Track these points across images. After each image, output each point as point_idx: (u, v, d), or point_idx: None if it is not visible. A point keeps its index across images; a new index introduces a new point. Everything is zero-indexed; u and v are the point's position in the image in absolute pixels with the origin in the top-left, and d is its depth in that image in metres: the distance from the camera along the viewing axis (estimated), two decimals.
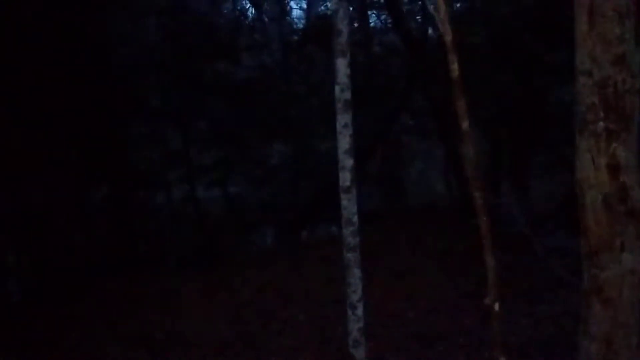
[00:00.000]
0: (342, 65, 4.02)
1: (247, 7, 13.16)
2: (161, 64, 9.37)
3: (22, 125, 7.27)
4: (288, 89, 10.80)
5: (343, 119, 3.89)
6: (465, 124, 3.30)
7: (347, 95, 3.85)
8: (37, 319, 6.73)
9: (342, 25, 4.01)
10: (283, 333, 6.05)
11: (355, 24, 12.04)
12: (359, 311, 3.73)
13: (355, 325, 3.68)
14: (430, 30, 10.56)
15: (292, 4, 19.36)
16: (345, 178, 3.95)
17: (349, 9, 4.92)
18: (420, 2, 10.31)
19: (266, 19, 12.99)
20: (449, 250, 8.33)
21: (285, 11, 13.05)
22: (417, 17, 11.21)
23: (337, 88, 3.91)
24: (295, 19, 14.02)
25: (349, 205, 3.94)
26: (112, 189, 9.31)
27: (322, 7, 12.96)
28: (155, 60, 9.35)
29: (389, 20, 11.47)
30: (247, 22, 12.34)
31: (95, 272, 8.59)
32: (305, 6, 14.41)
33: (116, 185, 9.21)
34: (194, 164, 10.42)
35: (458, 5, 10.00)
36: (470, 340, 5.25)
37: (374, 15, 12.84)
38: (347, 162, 3.90)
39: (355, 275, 3.75)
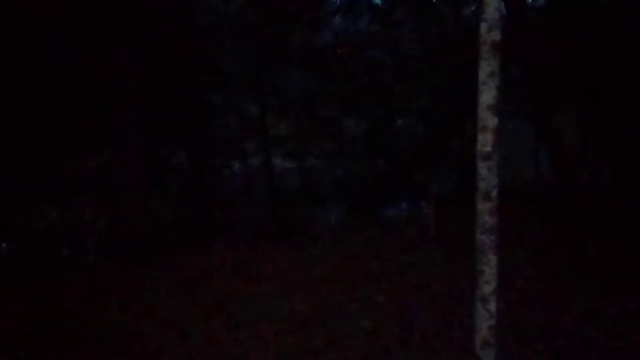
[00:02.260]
0: None
1: None
2: (240, 28, 9.05)
3: (93, 82, 7.20)
4: (372, 57, 10.20)
5: (489, 66, 3.11)
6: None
7: (496, 35, 3.07)
8: (111, 280, 6.72)
9: None
10: (361, 314, 5.70)
11: None
12: (492, 306, 3.02)
13: (485, 322, 3.00)
14: None
15: None
16: (486, 141, 3.22)
17: None
18: None
19: None
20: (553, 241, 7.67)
21: None
22: None
23: (483, 26, 3.13)
24: None
25: (488, 175, 3.20)
26: (189, 155, 9.21)
27: None
28: (234, 24, 9.05)
29: None
30: None
31: (169, 236, 8.58)
32: None
33: (193, 151, 9.09)
34: (269, 133, 10.16)
35: None
36: None
37: None
38: (490, 121, 3.15)
39: (490, 263, 3.04)
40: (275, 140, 10.24)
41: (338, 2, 9.93)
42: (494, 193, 2.92)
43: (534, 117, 11.42)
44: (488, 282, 2.93)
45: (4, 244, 9.13)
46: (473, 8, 10.06)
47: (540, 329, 5.02)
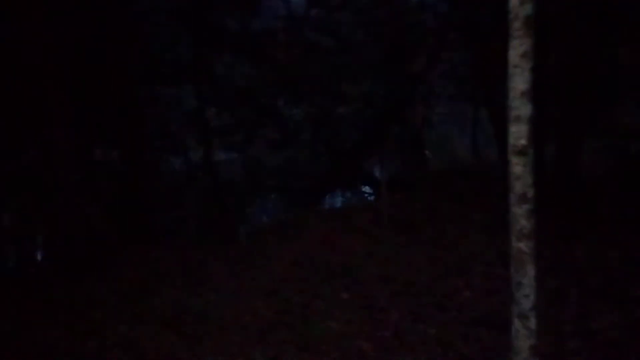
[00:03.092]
0: None
1: None
2: (175, 12, 8.38)
3: (22, 78, 6.44)
4: (314, 42, 9.80)
5: (521, 46, 2.65)
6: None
7: (528, 9, 2.62)
8: (51, 296, 6.05)
9: None
10: (328, 314, 5.41)
11: None
12: (532, 323, 2.55)
13: (526, 342, 2.55)
14: None
15: None
16: (520, 133, 2.72)
17: None
18: None
19: None
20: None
21: None
22: None
23: (513, 0, 2.69)
24: None
25: (523, 173, 2.71)
26: (124, 152, 8.51)
27: None
28: (169, 8, 8.37)
29: None
30: None
31: (108, 242, 7.90)
32: None
33: (128, 148, 8.41)
34: (210, 125, 9.60)
35: None
36: None
37: None
38: (524, 109, 2.68)
39: (528, 274, 2.57)
40: (216, 132, 9.69)
41: None
42: (531, 193, 2.59)
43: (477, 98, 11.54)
44: (527, 295, 2.51)
45: None
46: None
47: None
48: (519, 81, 2.58)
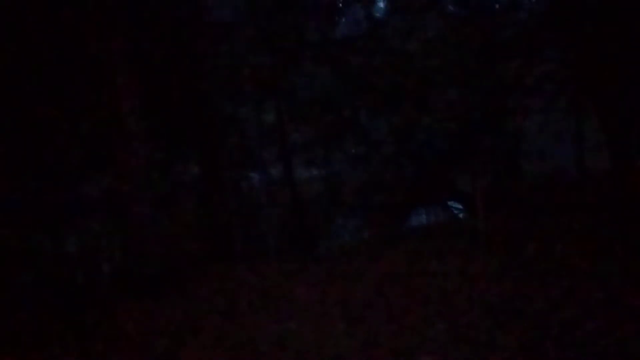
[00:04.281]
0: None
1: None
2: (251, 20, 8.07)
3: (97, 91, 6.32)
4: (397, 47, 9.14)
5: None
6: None
7: None
8: (125, 318, 5.79)
9: None
10: (422, 348, 4.70)
11: None
12: None
13: None
14: None
15: None
16: None
17: None
18: None
19: None
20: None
21: None
22: None
23: None
24: None
25: None
26: (203, 168, 8.29)
27: None
28: (243, 16, 8.07)
29: None
30: None
31: (186, 260, 7.68)
32: None
33: (208, 164, 8.17)
34: (289, 140, 9.22)
35: None
36: None
37: None
38: None
39: None
40: (295, 147, 9.29)
41: None
42: None
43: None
44: None
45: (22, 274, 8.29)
46: None
47: None
48: None
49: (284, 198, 9.46)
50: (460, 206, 12.46)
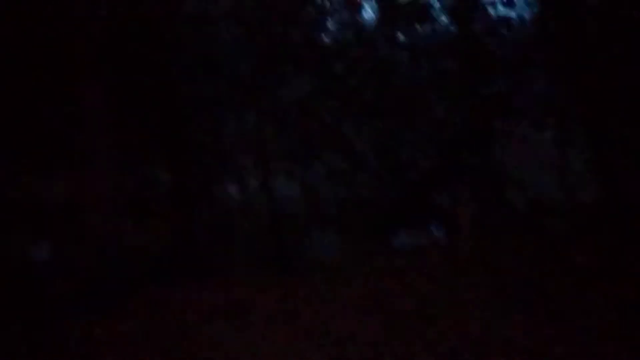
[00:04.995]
0: None
1: None
2: (236, 20, 7.58)
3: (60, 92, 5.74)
4: (386, 55, 8.70)
5: None
6: None
7: None
8: (74, 336, 5.16)
9: None
10: None
11: None
12: None
13: None
14: None
15: None
16: None
17: None
18: None
19: None
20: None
21: None
22: None
23: None
24: None
25: None
26: (174, 173, 7.70)
27: None
28: (229, 15, 7.57)
29: None
30: None
31: (149, 273, 7.06)
32: None
33: (179, 168, 7.59)
34: (269, 148, 8.69)
35: None
36: None
37: None
38: None
39: None
40: (274, 156, 8.76)
41: None
42: None
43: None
44: None
45: None
46: None
47: None
48: None
49: (260, 208, 8.90)
50: (442, 230, 12.05)
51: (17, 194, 7.24)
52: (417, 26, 8.50)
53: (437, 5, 8.89)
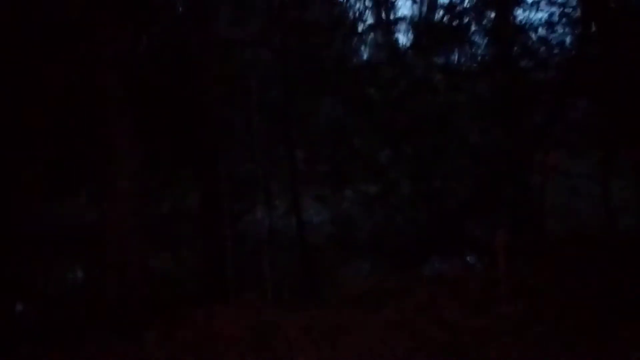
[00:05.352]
0: None
1: None
2: (263, 39, 7.53)
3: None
4: (420, 77, 8.53)
5: None
6: None
7: None
8: None
9: None
10: None
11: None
12: None
13: None
14: None
15: None
16: None
17: None
18: None
19: None
20: None
21: None
22: None
23: None
24: None
25: None
26: (201, 198, 7.65)
27: None
28: (259, 39, 7.57)
29: None
30: None
31: (175, 299, 6.98)
32: None
33: (206, 193, 7.55)
34: (299, 172, 8.58)
35: None
36: None
37: None
38: None
39: None
40: (303, 181, 8.66)
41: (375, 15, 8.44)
42: None
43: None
44: None
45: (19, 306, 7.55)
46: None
47: None
48: None
49: (289, 235, 8.78)
50: (476, 259, 11.68)
51: (50, 220, 7.30)
52: (454, 48, 8.35)
53: (474, 26, 8.73)
